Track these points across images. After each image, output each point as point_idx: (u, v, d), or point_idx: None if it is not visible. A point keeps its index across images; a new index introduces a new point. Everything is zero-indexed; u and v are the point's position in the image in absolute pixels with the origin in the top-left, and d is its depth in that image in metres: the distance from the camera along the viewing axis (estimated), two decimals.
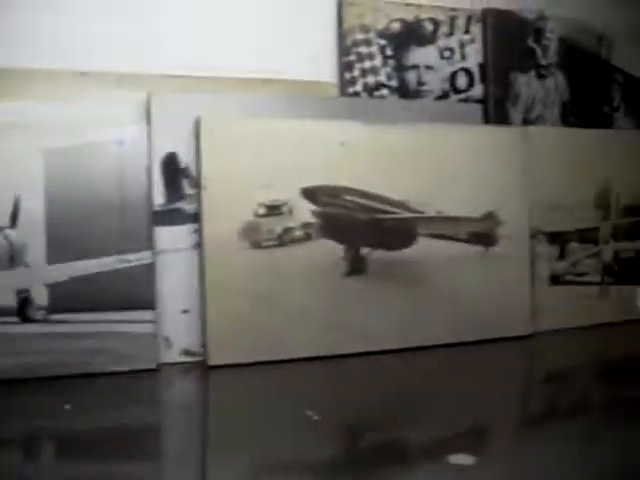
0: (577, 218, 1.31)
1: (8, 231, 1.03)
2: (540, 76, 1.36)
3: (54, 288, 1.05)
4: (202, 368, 1.09)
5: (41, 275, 1.04)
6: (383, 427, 0.87)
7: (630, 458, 0.76)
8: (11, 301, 1.03)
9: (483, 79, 1.32)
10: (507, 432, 0.88)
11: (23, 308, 1.04)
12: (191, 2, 1.18)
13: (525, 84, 1.34)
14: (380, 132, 1.17)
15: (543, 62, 1.36)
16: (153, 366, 1.07)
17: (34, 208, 1.04)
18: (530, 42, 1.35)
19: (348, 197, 1.14)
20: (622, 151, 1.35)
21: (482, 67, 1.32)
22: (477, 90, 1.32)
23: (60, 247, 1.05)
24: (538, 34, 1.35)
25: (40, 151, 1.05)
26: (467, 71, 1.31)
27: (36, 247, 1.04)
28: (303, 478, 0.74)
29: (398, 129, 1.18)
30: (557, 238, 1.30)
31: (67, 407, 0.91)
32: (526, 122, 1.34)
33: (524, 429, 0.90)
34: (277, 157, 1.11)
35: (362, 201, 1.15)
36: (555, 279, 1.29)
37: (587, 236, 1.32)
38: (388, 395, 1.00)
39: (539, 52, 1.35)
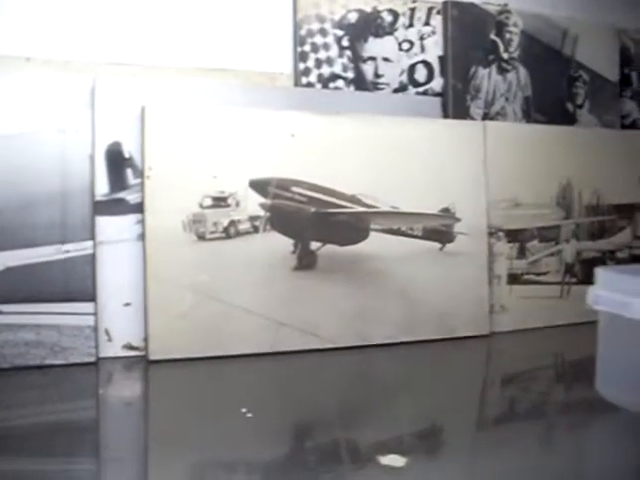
0: (538, 216, 1.28)
1: None
2: (502, 70, 1.33)
3: None
4: (143, 362, 1.05)
5: None
6: (319, 427, 0.85)
7: (577, 462, 0.75)
8: None
9: (443, 72, 1.29)
10: (451, 434, 0.85)
11: None
12: None
13: (486, 78, 1.31)
14: (333, 124, 1.14)
15: (505, 56, 1.33)
16: (92, 360, 1.04)
17: None
18: (492, 35, 1.32)
19: (298, 190, 1.11)
20: (585, 149, 1.32)
21: (442, 60, 1.29)
22: (436, 83, 1.29)
23: None
24: (501, 27, 1.33)
25: None
26: (426, 64, 1.28)
27: None
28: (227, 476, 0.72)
29: (351, 120, 1.15)
30: (517, 236, 1.27)
31: None
32: (487, 117, 1.31)
33: (471, 431, 0.87)
34: (225, 148, 1.08)
35: (313, 194, 1.12)
36: (514, 278, 1.26)
37: (548, 235, 1.30)
38: (331, 394, 0.97)
39: (501, 46, 1.33)
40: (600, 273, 0.90)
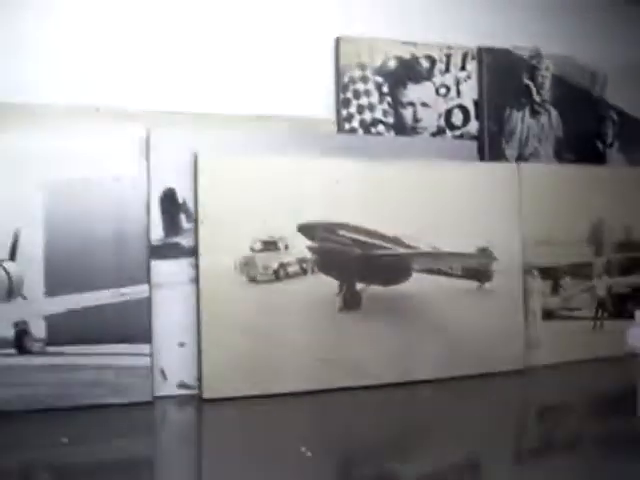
0: (570, 253, 1.32)
1: (7, 264, 1.05)
2: (534, 113, 1.38)
3: (51, 320, 1.06)
4: (197, 401, 1.10)
5: (39, 307, 1.05)
6: (375, 462, 0.88)
7: None
8: (9, 333, 1.04)
9: (478, 116, 1.34)
10: (497, 465, 0.89)
11: (20, 340, 1.05)
12: (195, 40, 1.20)
13: (520, 120, 1.36)
14: (374, 169, 1.18)
15: (537, 99, 1.38)
16: (149, 398, 1.08)
17: (33, 241, 1.05)
18: (525, 79, 1.37)
19: (343, 233, 1.16)
20: (615, 187, 1.36)
21: (477, 104, 1.34)
22: (472, 126, 1.34)
23: (58, 280, 1.06)
24: (533, 71, 1.37)
25: (40, 185, 1.06)
26: (463, 108, 1.33)
27: (34, 280, 1.05)
28: None
29: (392, 166, 1.19)
30: (550, 273, 1.31)
31: (64, 440, 0.92)
32: (520, 158, 1.36)
33: (515, 463, 0.92)
34: (274, 193, 1.13)
35: (357, 237, 1.16)
36: (548, 314, 1.30)
37: (580, 271, 1.34)
38: (380, 429, 1.01)
39: (534, 89, 1.37)
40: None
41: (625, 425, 0.97)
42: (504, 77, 1.35)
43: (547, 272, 1.31)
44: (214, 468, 0.90)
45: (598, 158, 1.44)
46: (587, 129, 1.43)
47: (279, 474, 0.84)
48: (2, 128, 1.05)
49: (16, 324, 1.05)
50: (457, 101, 1.33)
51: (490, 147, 1.34)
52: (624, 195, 1.37)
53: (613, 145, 1.45)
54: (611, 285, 1.36)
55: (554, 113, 1.39)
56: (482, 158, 1.33)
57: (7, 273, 1.05)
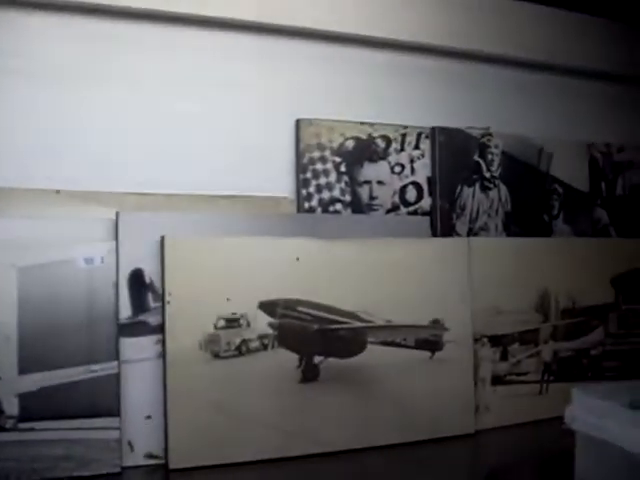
0: (518, 321, 1.40)
1: None
2: (484, 188, 1.46)
3: (24, 397, 1.11)
4: (163, 471, 1.15)
5: (12, 386, 1.11)
6: None
7: None
8: None
9: (431, 192, 1.41)
10: None
11: None
12: (156, 121, 1.27)
13: (470, 196, 1.44)
14: (332, 247, 1.25)
15: (487, 175, 1.46)
16: (117, 470, 1.14)
17: (6, 322, 1.11)
18: (476, 157, 1.45)
19: (302, 309, 1.22)
20: (560, 257, 1.44)
21: (430, 181, 1.42)
22: (425, 203, 1.41)
23: (31, 359, 1.11)
24: (483, 149, 1.46)
25: (13, 267, 1.12)
26: (416, 185, 1.41)
27: (8, 359, 1.10)
28: None
29: (349, 244, 1.26)
30: (499, 341, 1.38)
31: None
32: (471, 232, 1.44)
33: None
34: (237, 273, 1.20)
35: (315, 313, 1.23)
36: (497, 379, 1.38)
37: (528, 338, 1.41)
38: None
39: (484, 166, 1.45)
40: (575, 394, 1.02)
41: None
42: (456, 155, 1.44)
43: (496, 340, 1.38)
44: None
45: (545, 230, 1.52)
46: (534, 202, 1.52)
47: None
48: None
49: None
50: (411, 178, 1.41)
51: (442, 222, 1.41)
52: (569, 264, 1.45)
53: (559, 217, 1.54)
54: (557, 350, 1.44)
55: (503, 188, 1.47)
56: (434, 233, 1.41)
57: None
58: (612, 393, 0.99)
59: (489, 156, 1.46)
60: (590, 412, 0.98)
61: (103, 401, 1.14)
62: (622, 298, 1.51)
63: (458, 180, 1.44)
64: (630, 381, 1.13)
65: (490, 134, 1.46)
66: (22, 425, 1.10)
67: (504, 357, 1.39)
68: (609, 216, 1.61)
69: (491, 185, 1.46)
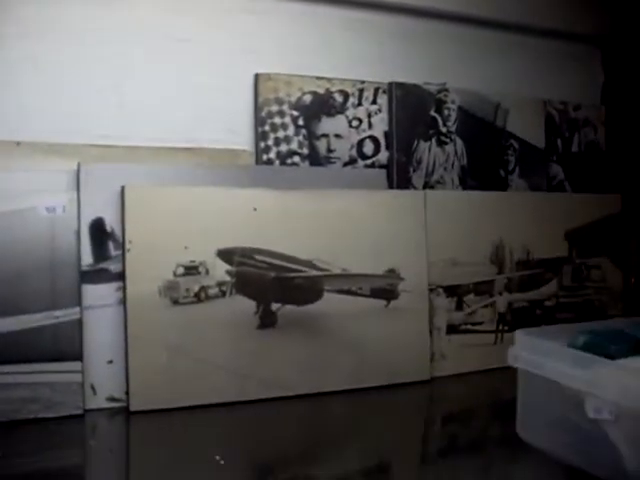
0: (473, 273, 1.44)
1: None
2: (441, 143, 1.49)
3: None
4: (125, 413, 1.19)
5: None
6: (287, 467, 1.01)
7: None
8: None
9: (388, 146, 1.45)
10: (405, 465, 1.02)
11: None
12: (117, 74, 1.29)
13: (427, 150, 1.47)
14: (290, 198, 1.29)
15: (444, 130, 1.49)
16: (80, 412, 1.18)
17: None
18: (432, 112, 1.49)
19: (260, 257, 1.26)
20: (516, 211, 1.48)
21: (387, 135, 1.45)
22: (382, 156, 1.45)
23: None
24: (440, 104, 1.49)
25: None
26: (374, 139, 1.44)
27: None
28: None
29: (306, 195, 1.30)
30: (454, 291, 1.43)
31: None
32: (427, 185, 1.47)
33: (422, 463, 1.06)
34: (195, 222, 1.23)
35: (273, 261, 1.27)
36: (452, 328, 1.42)
37: (483, 288, 1.46)
38: (291, 438, 1.12)
39: (440, 121, 1.49)
40: (518, 335, 1.06)
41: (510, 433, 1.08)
42: (413, 110, 1.47)
43: (451, 290, 1.43)
44: (137, 472, 1.03)
45: (501, 184, 1.56)
46: (490, 157, 1.56)
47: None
48: None
49: None
50: (369, 132, 1.44)
51: (398, 176, 1.45)
52: (524, 218, 1.49)
53: (514, 172, 1.58)
54: (511, 300, 1.48)
55: (459, 143, 1.51)
56: (391, 186, 1.44)
57: None
58: (553, 335, 1.04)
59: (445, 111, 1.50)
60: (531, 352, 1.02)
61: (66, 346, 1.18)
62: (576, 252, 1.56)
63: (415, 135, 1.47)
64: (570, 324, 1.17)
65: (447, 90, 1.50)
66: None
67: (459, 307, 1.44)
68: (564, 172, 1.65)
69: (447, 140, 1.50)
